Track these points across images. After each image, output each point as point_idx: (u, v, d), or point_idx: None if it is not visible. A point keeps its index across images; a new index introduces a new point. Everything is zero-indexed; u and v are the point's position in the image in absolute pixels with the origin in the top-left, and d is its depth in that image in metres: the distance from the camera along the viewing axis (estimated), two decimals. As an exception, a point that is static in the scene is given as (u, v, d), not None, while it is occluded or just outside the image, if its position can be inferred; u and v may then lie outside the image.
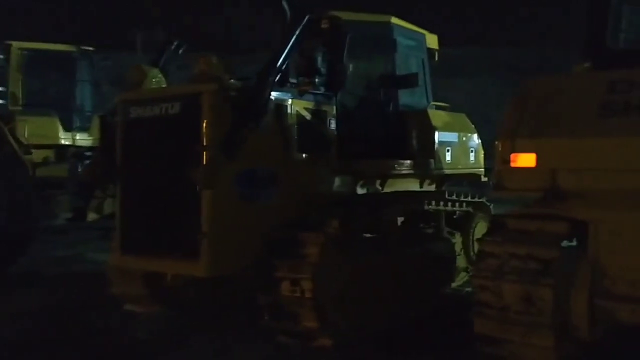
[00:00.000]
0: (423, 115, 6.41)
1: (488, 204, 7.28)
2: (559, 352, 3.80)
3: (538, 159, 3.94)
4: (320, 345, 4.72)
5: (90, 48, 11.02)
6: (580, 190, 3.85)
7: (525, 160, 3.98)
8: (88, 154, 10.65)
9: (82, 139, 10.62)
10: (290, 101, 5.28)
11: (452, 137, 6.64)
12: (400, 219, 5.84)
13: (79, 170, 10.15)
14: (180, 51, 6.00)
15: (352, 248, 5.04)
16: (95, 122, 10.61)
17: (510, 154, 4.04)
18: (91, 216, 10.34)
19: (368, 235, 5.38)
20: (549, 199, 4.00)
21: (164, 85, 5.34)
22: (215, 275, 4.67)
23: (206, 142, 4.60)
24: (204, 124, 4.62)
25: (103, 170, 5.38)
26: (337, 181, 5.72)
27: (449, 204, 6.48)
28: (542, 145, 3.94)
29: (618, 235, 3.77)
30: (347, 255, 4.96)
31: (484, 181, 7.39)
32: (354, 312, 4.98)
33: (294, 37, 5.07)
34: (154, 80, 5.22)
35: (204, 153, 4.56)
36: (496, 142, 4.13)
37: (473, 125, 7.22)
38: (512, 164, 4.03)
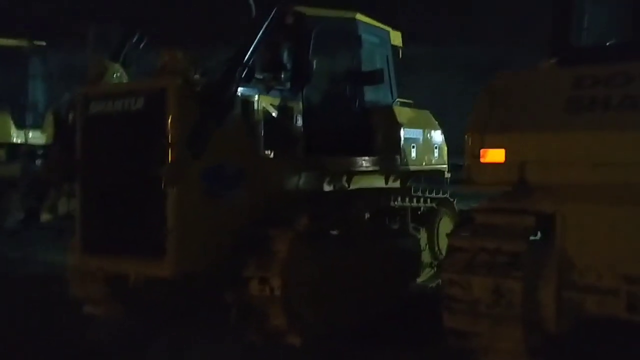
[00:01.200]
0: (389, 111, 6.42)
1: (451, 199, 7.36)
2: (528, 344, 3.85)
3: (507, 154, 3.97)
4: (289, 343, 4.66)
5: (43, 42, 10.66)
6: (548, 184, 3.91)
7: (495, 155, 4.01)
8: (41, 152, 10.32)
9: (35, 136, 10.29)
10: (256, 97, 5.21)
11: (417, 133, 6.68)
12: (367, 215, 5.84)
13: (32, 169, 9.83)
14: (142, 45, 5.83)
15: (320, 244, 5.00)
16: (49, 120, 10.31)
17: (480, 149, 4.06)
18: (45, 216, 10.03)
19: (336, 231, 5.35)
20: (516, 193, 4.04)
21: (125, 80, 5.18)
22: (181, 274, 4.56)
23: (171, 138, 4.48)
24: (169, 120, 4.50)
25: (61, 168, 5.18)
26: (303, 178, 5.67)
27: (414, 200, 6.52)
28: (511, 140, 3.97)
29: (584, 227, 3.85)
30: (315, 252, 4.92)
31: (447, 177, 7.48)
32: (323, 309, 4.95)
33: (261, 31, 5.00)
34: (115, 74, 5.06)
35: (169, 150, 4.45)
36: (465, 137, 4.15)
37: (437, 122, 7.27)
38: (482, 160, 4.05)
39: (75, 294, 5.50)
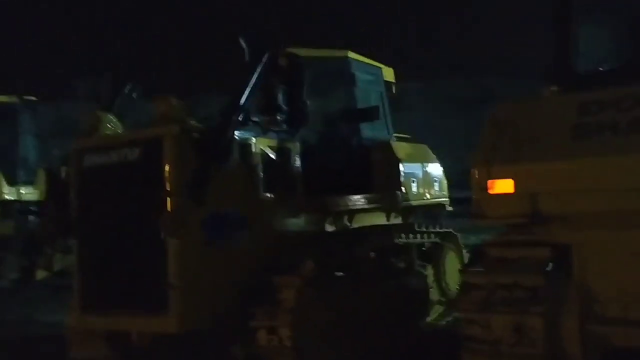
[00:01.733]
0: (387, 147, 6.34)
1: (455, 233, 7.22)
2: (555, 383, 3.68)
3: (516, 185, 3.86)
4: (302, 395, 4.46)
5: (33, 98, 10.59)
6: (561, 214, 3.79)
7: (503, 186, 3.90)
8: (34, 208, 10.14)
9: (27, 192, 10.11)
10: (254, 140, 5.11)
11: (416, 168, 6.59)
12: (372, 255, 5.69)
13: (26, 226, 9.64)
14: (134, 95, 5.77)
15: (327, 288, 4.84)
16: (41, 175, 10.15)
17: (487, 180, 3.95)
18: (40, 274, 9.81)
19: (342, 273, 5.19)
20: (528, 224, 3.92)
21: (120, 131, 5.08)
22: (187, 330, 4.37)
23: (170, 187, 4.37)
24: (167, 169, 4.39)
25: (57, 224, 5.02)
26: (305, 219, 5.53)
27: (419, 236, 6.38)
28: (519, 170, 3.87)
29: (602, 256, 3.71)
30: (323, 296, 4.76)
31: (450, 210, 7.36)
32: (336, 355, 4.76)
33: (256, 74, 4.94)
34: (108, 125, 4.96)
35: (168, 199, 4.33)
36: (472, 170, 4.05)
37: (434, 155, 7.20)
38: (490, 191, 3.94)
39: (75, 355, 5.27)
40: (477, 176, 4.02)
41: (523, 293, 3.75)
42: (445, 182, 7.20)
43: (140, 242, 4.51)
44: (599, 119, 3.71)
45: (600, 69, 4.21)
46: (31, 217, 10.09)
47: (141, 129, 4.95)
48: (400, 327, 5.73)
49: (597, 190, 3.66)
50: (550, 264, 3.81)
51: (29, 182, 10.18)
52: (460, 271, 4.13)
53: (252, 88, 4.89)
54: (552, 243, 3.85)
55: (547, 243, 3.86)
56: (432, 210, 7.12)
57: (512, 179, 3.87)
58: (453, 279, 7.08)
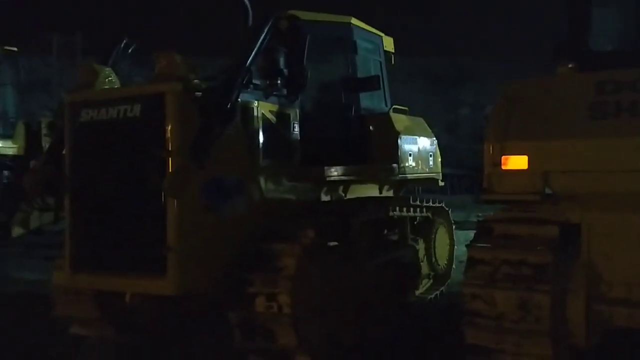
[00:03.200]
0: (386, 118, 6.24)
1: (447, 209, 7.22)
2: (555, 361, 3.69)
3: (530, 161, 3.82)
4: (297, 364, 4.41)
5: (14, 49, 10.18)
6: (572, 193, 3.77)
7: (517, 162, 3.86)
8: (11, 163, 9.83)
9: (6, 146, 9.77)
10: (256, 103, 4.96)
11: (413, 141, 6.51)
12: (368, 226, 5.63)
13: (2, 180, 9.35)
14: (130, 50, 5.53)
15: (324, 258, 4.77)
16: (20, 130, 9.85)
17: (501, 156, 3.91)
18: (16, 231, 9.55)
19: (338, 244, 5.12)
20: (539, 201, 3.89)
21: (118, 86, 4.87)
22: (183, 293, 4.27)
23: (171, 147, 4.21)
24: (169, 128, 4.23)
25: (48, 180, 4.83)
26: (301, 188, 5.44)
27: (412, 209, 6.34)
28: (534, 147, 3.83)
29: (611, 237, 3.71)
30: (321, 266, 4.69)
31: (442, 185, 7.35)
32: (330, 326, 4.72)
33: (262, 36, 4.77)
34: (106, 80, 4.75)
35: (170, 159, 4.18)
36: (485, 145, 3.99)
37: (430, 129, 7.13)
38: (503, 167, 3.90)
39: (61, 314, 5.14)
40: (490, 151, 3.96)
41: (530, 270, 3.74)
42: (439, 156, 7.15)
43: (137, 202, 4.36)
44: (617, 99, 3.67)
45: (620, 50, 4.16)
46: (7, 172, 9.80)
47: (142, 85, 4.75)
48: (391, 300, 5.72)
49: (611, 171, 3.64)
50: (559, 243, 3.80)
51: (7, 136, 9.85)
52: (467, 246, 4.08)
53: (257, 50, 4.73)
54: (561, 222, 3.84)
55: (556, 221, 3.84)
56: (425, 184, 7.08)
57: (527, 155, 3.83)
58: (442, 253, 7.12)
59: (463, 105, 33.65)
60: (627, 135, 3.59)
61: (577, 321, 3.72)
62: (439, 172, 7.21)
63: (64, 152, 4.73)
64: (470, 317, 3.87)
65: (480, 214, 14.89)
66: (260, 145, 4.99)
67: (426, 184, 7.11)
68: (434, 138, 7.07)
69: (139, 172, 4.33)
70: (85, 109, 4.52)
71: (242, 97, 4.73)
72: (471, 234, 9.20)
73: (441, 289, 6.99)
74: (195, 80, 4.46)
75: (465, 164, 21.06)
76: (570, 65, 4.08)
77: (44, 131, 8.82)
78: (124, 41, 5.54)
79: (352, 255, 5.19)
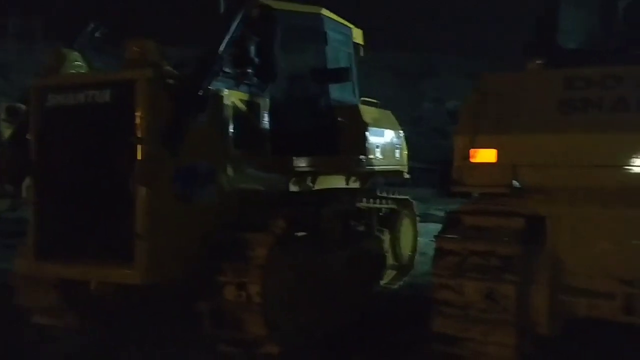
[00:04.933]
0: (355, 110, 6.27)
1: (412, 201, 7.32)
2: (520, 349, 3.80)
3: (499, 155, 3.91)
4: (266, 353, 4.42)
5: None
6: (539, 186, 3.87)
7: (486, 155, 3.94)
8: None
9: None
10: (227, 92, 4.92)
11: (381, 133, 6.57)
12: (337, 217, 5.66)
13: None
14: (97, 34, 5.41)
15: (295, 248, 4.79)
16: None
17: (470, 149, 3.98)
18: (-27, 218, 9.23)
19: (308, 234, 5.14)
20: (504, 194, 3.99)
21: (86, 71, 4.76)
22: (152, 282, 4.22)
23: (141, 134, 4.15)
24: (139, 115, 4.16)
25: (12, 166, 4.69)
26: (270, 178, 5.43)
27: (379, 201, 6.41)
28: (503, 140, 3.91)
29: (576, 230, 3.83)
30: (291, 256, 4.71)
31: (407, 178, 7.43)
32: (300, 316, 4.74)
33: (233, 24, 4.73)
34: (74, 64, 4.64)
35: (140, 147, 4.11)
36: (454, 138, 4.06)
37: (397, 122, 7.20)
38: (472, 160, 3.97)
39: (22, 303, 5.01)
40: (459, 144, 4.03)
41: (497, 261, 3.83)
42: (405, 149, 7.23)
43: (105, 189, 4.28)
44: (585, 95, 3.78)
45: (589, 47, 4.28)
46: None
47: (112, 71, 4.65)
48: (359, 290, 5.78)
49: (577, 165, 3.75)
50: (525, 234, 3.91)
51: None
52: (436, 237, 4.15)
53: (230, 37, 4.68)
54: (528, 214, 3.94)
55: (523, 214, 3.94)
56: (392, 177, 7.15)
57: (496, 148, 3.91)
58: (406, 244, 7.22)
59: (426, 99, 34.06)
60: (593, 130, 3.70)
61: (541, 311, 3.84)
62: (405, 165, 7.29)
63: (28, 137, 4.61)
64: (438, 306, 3.95)
65: (440, 207, 15.17)
66: (231, 134, 4.96)
67: (392, 177, 7.17)
68: (401, 131, 7.15)
69: (108, 158, 4.26)
70: (52, 93, 4.40)
71: (213, 86, 4.69)
72: (431, 226, 9.37)
73: (404, 279, 7.08)
74: (167, 67, 4.40)
75: (427, 157, 21.33)
76: (539, 62, 4.18)
77: (2, 116, 8.54)
78: (91, 26, 5.42)
79: (322, 245, 5.22)
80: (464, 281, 3.87)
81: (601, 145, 3.66)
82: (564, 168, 3.77)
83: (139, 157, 4.09)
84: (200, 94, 4.31)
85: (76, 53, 4.78)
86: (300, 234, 4.98)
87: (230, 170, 4.87)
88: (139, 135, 4.13)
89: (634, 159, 3.59)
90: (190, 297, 4.46)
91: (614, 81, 3.73)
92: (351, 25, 6.93)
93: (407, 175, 7.39)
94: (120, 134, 4.18)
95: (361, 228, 6.24)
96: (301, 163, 5.62)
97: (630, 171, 3.59)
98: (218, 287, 4.33)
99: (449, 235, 4.09)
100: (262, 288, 4.26)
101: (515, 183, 3.86)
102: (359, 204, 6.03)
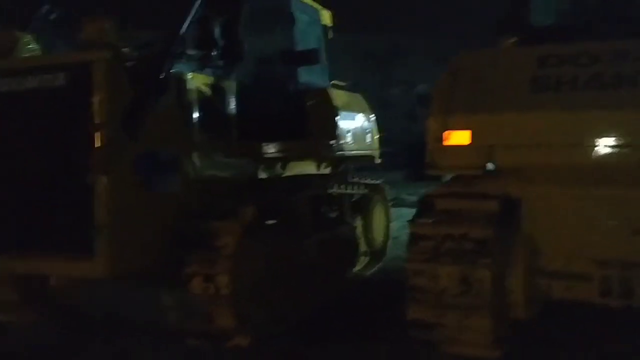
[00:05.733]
0: (325, 94, 6.10)
1: (383, 186, 7.21)
2: (496, 334, 3.72)
3: (473, 136, 3.80)
4: (236, 345, 4.27)
5: None
6: (514, 167, 3.78)
7: (460, 137, 3.83)
8: None
9: None
10: (190, 75, 4.71)
11: (351, 117, 6.43)
12: (308, 204, 5.52)
13: None
14: (52, 16, 5.13)
15: (263, 237, 4.64)
16: None
17: (443, 131, 3.87)
18: None
19: (278, 222, 4.99)
20: (478, 176, 3.89)
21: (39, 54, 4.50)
22: (115, 275, 4.02)
23: (99, 119, 3.93)
24: (96, 99, 3.93)
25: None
26: (238, 164, 5.25)
27: (351, 187, 6.29)
28: (477, 121, 3.81)
29: (550, 211, 3.76)
30: (261, 245, 4.55)
31: (378, 163, 7.32)
32: (270, 306, 4.60)
33: (195, 3, 4.53)
34: (27, 48, 4.38)
35: (98, 132, 3.90)
36: (428, 119, 3.94)
37: (367, 106, 7.07)
38: (445, 142, 3.86)
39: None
40: (432, 126, 3.92)
41: (472, 245, 3.74)
42: (376, 133, 7.11)
43: (62, 179, 4.05)
44: (559, 73, 3.70)
45: (560, 24, 4.19)
46: None
47: (67, 53, 4.39)
48: (332, 277, 5.66)
49: (551, 145, 3.67)
50: (500, 217, 3.82)
51: None
52: (410, 222, 4.04)
53: (192, 17, 4.48)
54: (502, 196, 3.86)
55: (497, 196, 3.85)
56: (363, 162, 7.03)
57: (470, 129, 3.81)
58: (379, 230, 7.12)
59: (395, 83, 34.02)
60: (567, 108, 3.62)
61: (517, 294, 3.77)
62: (376, 150, 7.17)
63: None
64: (413, 292, 3.85)
65: (410, 191, 15.13)
66: (195, 118, 4.76)
67: (364, 162, 7.04)
68: (372, 115, 7.02)
69: (64, 146, 4.03)
70: (3, 78, 4.14)
71: (176, 68, 4.49)
72: (403, 210, 9.28)
73: (378, 266, 7.00)
74: (126, 49, 4.18)
75: (397, 141, 21.29)
76: (512, 40, 4.08)
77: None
78: (46, 7, 5.14)
79: (293, 233, 5.08)
80: (438, 266, 3.78)
81: (576, 124, 3.59)
82: (538, 148, 3.69)
83: (97, 144, 3.88)
84: (162, 76, 4.11)
85: (29, 36, 4.52)
86: (270, 221, 4.82)
87: (195, 157, 4.68)
88: (97, 121, 3.91)
89: (609, 137, 3.51)
90: (157, 290, 4.28)
91: (587, 58, 3.65)
92: (319, 7, 6.75)
93: (378, 160, 7.27)
94: (77, 120, 3.96)
95: (333, 214, 6.11)
96: (270, 149, 5.46)
97: (605, 150, 3.52)
98: (185, 279, 4.16)
99: (422, 220, 3.99)
100: (231, 279, 4.10)
101: (490, 165, 3.77)
102: (330, 190, 5.90)
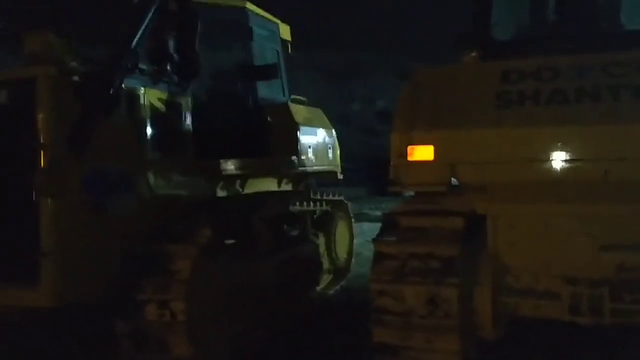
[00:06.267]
0: (285, 109, 5.98)
1: (346, 202, 7.10)
2: (464, 355, 3.61)
3: (436, 151, 3.71)
4: (194, 374, 4.04)
5: None
6: (478, 183, 3.69)
7: (423, 153, 3.73)
8: None
9: None
10: (143, 90, 4.52)
11: (313, 132, 6.31)
12: (268, 222, 5.34)
13: None
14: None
15: (223, 259, 4.44)
16: None
17: (407, 146, 3.76)
18: None
19: (236, 243, 4.79)
20: (441, 192, 3.80)
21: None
22: (62, 304, 3.77)
23: (44, 138, 3.70)
24: (41, 116, 3.71)
25: None
26: (194, 182, 5.05)
27: (313, 204, 6.14)
28: (440, 137, 3.72)
29: (516, 227, 3.67)
30: (219, 268, 4.36)
31: (340, 179, 7.21)
32: (230, 330, 4.40)
33: (148, 15, 4.34)
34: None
35: (42, 152, 3.67)
36: (391, 135, 3.83)
37: (328, 121, 6.96)
38: (409, 158, 3.76)
39: None
40: (396, 142, 3.81)
41: (438, 263, 3.62)
42: (338, 149, 7.00)
43: (5, 201, 3.80)
44: (521, 88, 3.64)
45: (522, 38, 4.15)
46: None
47: (9, 69, 4.15)
48: (294, 298, 5.49)
49: (515, 161, 3.60)
50: (465, 234, 3.72)
51: None
52: (373, 240, 3.90)
53: (144, 30, 4.29)
54: (467, 213, 3.76)
55: (462, 213, 3.75)
56: (324, 178, 6.90)
57: (432, 145, 3.71)
58: (342, 248, 6.99)
59: (355, 99, 34.20)
60: (530, 124, 3.56)
61: (484, 314, 3.65)
62: (338, 165, 7.07)
63: None
64: (377, 314, 3.70)
65: (372, 206, 15.07)
66: (149, 136, 4.56)
67: (325, 178, 6.92)
68: (333, 130, 6.91)
69: (7, 166, 3.78)
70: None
71: (127, 83, 4.29)
72: (365, 226, 9.17)
73: (341, 284, 6.85)
74: (73, 63, 3.96)
75: (357, 157, 21.31)
76: (473, 54, 4.02)
77: None
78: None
79: (252, 253, 4.89)
80: (404, 286, 3.64)
81: (539, 140, 3.52)
82: (502, 164, 3.61)
83: (42, 164, 3.65)
84: (111, 92, 3.91)
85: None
86: (228, 242, 4.63)
87: (148, 176, 4.47)
88: (42, 140, 3.69)
89: (573, 153, 3.46)
90: (108, 317, 4.03)
91: (550, 72, 3.61)
92: (278, 21, 6.64)
93: (340, 176, 7.17)
94: (20, 139, 3.73)
95: (294, 233, 5.95)
96: (228, 166, 5.28)
97: (570, 165, 3.47)
98: (138, 305, 3.93)
99: (386, 238, 3.85)
100: (186, 305, 3.88)
101: (454, 181, 3.68)
102: (291, 208, 5.74)
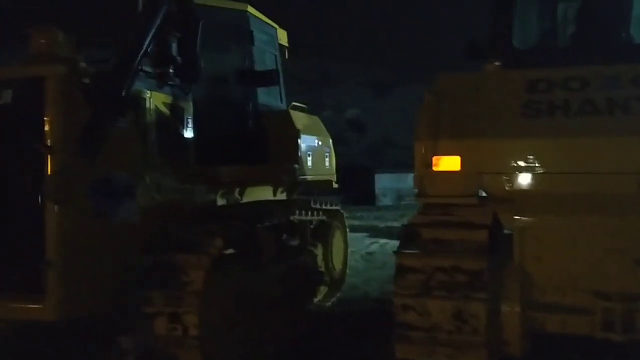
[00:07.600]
0: (286, 116, 5.82)
1: (342, 212, 6.97)
2: (490, 372, 3.50)
3: (462, 162, 3.61)
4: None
5: None
6: (505, 194, 3.61)
7: (449, 163, 3.63)
8: None
9: None
10: (149, 93, 4.33)
11: (312, 140, 6.16)
12: (271, 232, 5.17)
13: None
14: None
15: (233, 269, 4.27)
16: None
17: (432, 156, 3.66)
18: None
19: (242, 252, 4.61)
20: (472, 204, 3.69)
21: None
22: (68, 317, 3.54)
23: (52, 141, 3.48)
24: (49, 118, 3.49)
25: None
26: (196, 190, 4.86)
27: (312, 213, 5.99)
28: (467, 146, 3.62)
29: (543, 241, 3.60)
30: (228, 279, 4.18)
31: (336, 188, 7.07)
32: (238, 343, 4.22)
33: (156, 18, 4.16)
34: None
35: (50, 156, 3.45)
36: (415, 145, 3.72)
37: (325, 129, 6.83)
38: (435, 168, 3.65)
39: None
40: (420, 151, 3.70)
41: (464, 277, 3.52)
42: (334, 157, 6.87)
43: (9, 208, 3.56)
44: (550, 98, 3.57)
45: (546, 48, 4.10)
46: None
47: (15, 67, 3.90)
48: (295, 311, 5.33)
49: (545, 172, 3.53)
50: (491, 247, 3.63)
51: None
52: (395, 252, 3.78)
53: (155, 32, 4.11)
54: (492, 225, 3.67)
55: (488, 225, 3.66)
56: (321, 186, 6.76)
57: (459, 155, 3.62)
58: (338, 258, 6.85)
59: (325, 107, 34.22)
60: (561, 135, 3.49)
61: (511, 329, 3.56)
62: (333, 174, 6.93)
63: None
64: (401, 329, 3.57)
65: (347, 215, 14.98)
66: (153, 141, 4.36)
67: (323, 186, 6.77)
68: (330, 138, 6.78)
69: (11, 171, 3.54)
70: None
71: (135, 86, 4.09)
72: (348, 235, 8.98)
73: (337, 295, 6.71)
74: (82, 63, 3.76)
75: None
76: (495, 63, 3.96)
77: None
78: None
79: (257, 263, 4.72)
80: (429, 301, 3.52)
81: (570, 150, 3.46)
82: (530, 175, 3.54)
83: (49, 169, 3.43)
84: (122, 94, 3.71)
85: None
86: (234, 252, 4.45)
87: (152, 183, 4.27)
88: (49, 144, 3.47)
89: (605, 164, 3.40)
90: (114, 332, 3.81)
91: (579, 83, 3.55)
92: (276, 26, 6.49)
93: (336, 185, 7.03)
94: (26, 142, 3.50)
95: (294, 242, 5.79)
96: (229, 173, 5.11)
97: (601, 177, 3.40)
98: (146, 319, 3.72)
99: (409, 251, 3.73)
100: (199, 318, 3.70)
101: (482, 192, 3.58)
102: (295, 216, 5.58)
